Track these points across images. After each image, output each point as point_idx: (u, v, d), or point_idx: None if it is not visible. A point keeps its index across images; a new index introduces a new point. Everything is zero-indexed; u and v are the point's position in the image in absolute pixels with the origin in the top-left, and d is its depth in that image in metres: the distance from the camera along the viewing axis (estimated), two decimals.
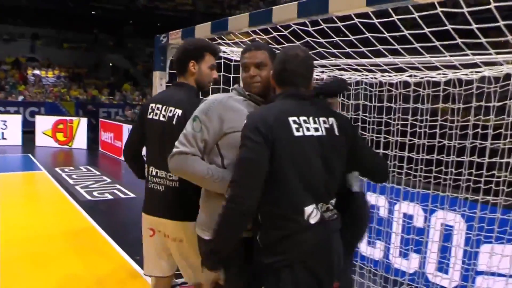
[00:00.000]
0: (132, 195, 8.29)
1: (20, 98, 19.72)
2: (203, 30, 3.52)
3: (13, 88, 21.62)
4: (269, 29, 3.09)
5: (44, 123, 14.50)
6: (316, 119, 2.20)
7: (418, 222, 4.11)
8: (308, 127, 2.16)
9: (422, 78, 3.49)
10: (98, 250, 5.55)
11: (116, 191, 8.56)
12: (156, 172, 2.85)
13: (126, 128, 12.28)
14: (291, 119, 2.14)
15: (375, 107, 3.96)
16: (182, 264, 2.88)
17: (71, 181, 9.34)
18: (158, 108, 2.87)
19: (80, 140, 14.27)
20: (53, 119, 14.65)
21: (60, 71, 26.69)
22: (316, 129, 2.18)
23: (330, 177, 2.21)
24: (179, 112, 2.75)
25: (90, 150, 14.21)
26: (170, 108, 2.80)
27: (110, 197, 8.18)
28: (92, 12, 29.56)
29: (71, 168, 11.04)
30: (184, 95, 2.82)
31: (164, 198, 2.83)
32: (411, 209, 4.05)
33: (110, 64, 29.29)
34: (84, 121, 14.36)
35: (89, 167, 11.23)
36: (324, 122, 2.22)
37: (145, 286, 4.34)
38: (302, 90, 2.26)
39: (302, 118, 2.16)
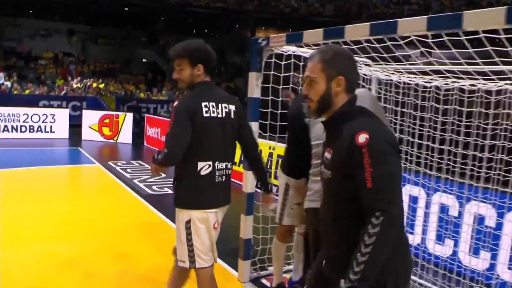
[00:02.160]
0: None
1: (63, 92, 20.20)
2: (313, 36, 3.65)
3: (53, 82, 22.13)
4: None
5: (90, 117, 14.88)
6: None
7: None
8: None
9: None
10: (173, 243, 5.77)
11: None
12: (221, 165, 3.10)
13: None
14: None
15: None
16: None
17: (127, 175, 9.64)
18: (213, 106, 3.06)
19: (126, 135, 14.64)
20: (99, 113, 15.03)
21: (95, 66, 27.19)
22: None
23: None
24: (232, 108, 3.16)
25: (134, 144, 14.56)
26: (224, 104, 3.12)
27: (170, 192, 8.42)
28: (125, 9, 30.12)
29: (123, 162, 11.36)
30: (226, 93, 3.31)
31: (227, 186, 3.21)
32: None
33: (143, 60, 29.72)
34: (129, 116, 14.70)
35: (139, 162, 11.53)
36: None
37: (229, 277, 4.56)
38: None
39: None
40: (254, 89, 4.46)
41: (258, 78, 4.50)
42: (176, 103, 3.09)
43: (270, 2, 33.76)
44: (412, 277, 4.40)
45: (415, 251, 4.87)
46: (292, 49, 4.37)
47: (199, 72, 3.11)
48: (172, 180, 3.18)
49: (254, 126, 4.32)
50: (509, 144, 3.89)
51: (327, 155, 2.11)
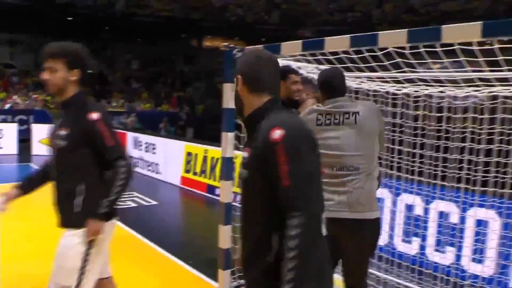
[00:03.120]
0: (154, 202, 8.48)
1: (7, 106, 19.45)
2: (292, 48, 3.70)
3: None
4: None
5: (40, 131, 14.35)
6: None
7: None
8: None
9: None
10: (149, 257, 5.72)
11: (137, 199, 8.69)
12: None
13: (131, 136, 12.42)
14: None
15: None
16: None
17: None
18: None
19: None
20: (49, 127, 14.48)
21: (39, 78, 26.27)
22: None
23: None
24: None
25: None
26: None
27: (134, 204, 8.32)
28: (69, 18, 29.36)
29: None
30: None
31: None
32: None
33: (89, 71, 28.98)
34: None
35: None
36: None
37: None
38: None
39: None
40: (229, 100, 4.50)
41: (233, 89, 4.54)
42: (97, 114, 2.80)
43: (216, 10, 33.78)
44: (378, 273, 4.64)
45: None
46: None
47: (74, 78, 2.85)
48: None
49: (230, 137, 4.38)
50: (477, 146, 4.14)
51: (245, 154, 2.02)
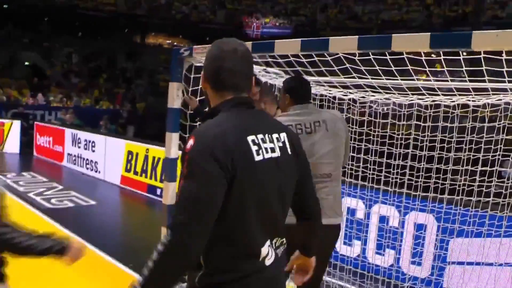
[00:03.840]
0: (92, 202, 8.16)
1: None
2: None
3: None
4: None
5: None
6: (270, 136, 1.83)
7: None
8: (266, 147, 1.78)
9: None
10: (89, 260, 5.48)
11: (74, 199, 8.34)
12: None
13: (69, 133, 11.99)
14: (250, 138, 1.73)
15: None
16: None
17: (21, 189, 8.96)
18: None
19: (12, 144, 13.53)
20: None
21: None
22: (272, 150, 1.80)
23: (284, 205, 1.89)
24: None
25: (23, 154, 13.54)
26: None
27: (71, 204, 7.98)
28: (5, 6, 28.08)
29: (13, 174, 10.55)
30: None
31: None
32: None
33: (26, 63, 27.78)
34: (16, 124, 13.64)
35: (31, 173, 10.77)
36: (277, 139, 1.85)
37: None
38: (248, 96, 1.89)
39: (260, 137, 1.77)
40: (175, 100, 4.38)
41: (179, 88, 4.44)
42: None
43: (161, 7, 33.30)
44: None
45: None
46: None
47: None
48: None
49: (175, 137, 4.27)
50: (420, 152, 4.26)
51: None
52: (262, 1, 35.85)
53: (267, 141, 1.79)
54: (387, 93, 4.02)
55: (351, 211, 5.14)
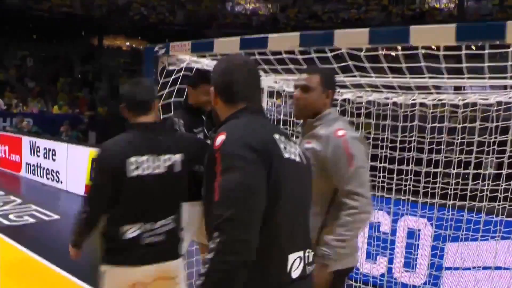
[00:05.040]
0: (55, 216, 7.58)
1: None
2: (226, 45, 3.32)
3: None
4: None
5: None
6: (290, 141, 1.84)
7: None
8: (290, 149, 1.76)
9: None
10: (53, 284, 5.00)
11: (35, 213, 7.72)
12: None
13: (27, 141, 11.28)
14: (276, 136, 1.74)
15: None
16: None
17: None
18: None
19: None
20: None
21: None
22: (295, 154, 1.79)
23: (308, 215, 1.86)
24: None
25: None
26: None
27: (32, 220, 7.37)
28: None
29: None
30: None
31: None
32: None
33: None
34: None
35: None
36: (295, 147, 1.87)
37: None
38: (261, 106, 1.93)
39: (282, 138, 1.77)
40: None
41: None
42: None
43: (119, 9, 32.50)
44: None
45: None
46: (186, 62, 3.94)
47: None
48: None
49: None
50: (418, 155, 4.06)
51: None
52: (222, 2, 35.50)
53: (289, 144, 1.79)
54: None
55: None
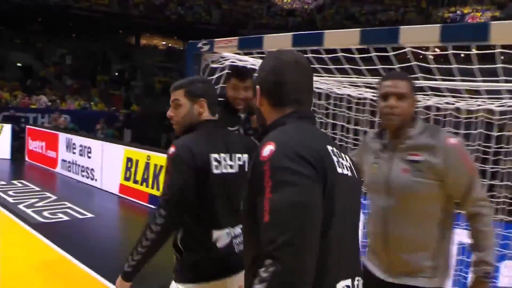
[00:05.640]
0: (90, 214, 7.49)
1: None
2: (277, 41, 3.12)
3: None
4: None
5: None
6: (341, 152, 1.59)
7: None
8: (343, 163, 1.54)
9: None
10: (82, 285, 4.86)
11: (69, 211, 7.64)
12: None
13: (64, 137, 11.32)
14: (329, 148, 1.52)
15: None
16: None
17: (10, 199, 8.25)
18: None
19: (3, 149, 12.77)
20: None
21: None
22: (347, 168, 1.57)
23: (358, 236, 1.66)
24: None
25: (14, 160, 12.84)
26: None
27: (65, 218, 7.29)
28: None
29: (2, 182, 9.80)
30: None
31: None
32: None
33: (18, 64, 27.06)
34: (7, 127, 12.91)
35: (23, 181, 10.07)
36: (346, 158, 1.62)
37: None
38: (311, 112, 1.72)
39: (335, 150, 1.54)
40: None
41: None
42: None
43: (156, 8, 32.75)
44: None
45: None
46: (230, 60, 3.75)
47: None
48: None
49: None
50: None
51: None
52: (258, 2, 35.37)
53: (341, 156, 1.55)
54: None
55: None
